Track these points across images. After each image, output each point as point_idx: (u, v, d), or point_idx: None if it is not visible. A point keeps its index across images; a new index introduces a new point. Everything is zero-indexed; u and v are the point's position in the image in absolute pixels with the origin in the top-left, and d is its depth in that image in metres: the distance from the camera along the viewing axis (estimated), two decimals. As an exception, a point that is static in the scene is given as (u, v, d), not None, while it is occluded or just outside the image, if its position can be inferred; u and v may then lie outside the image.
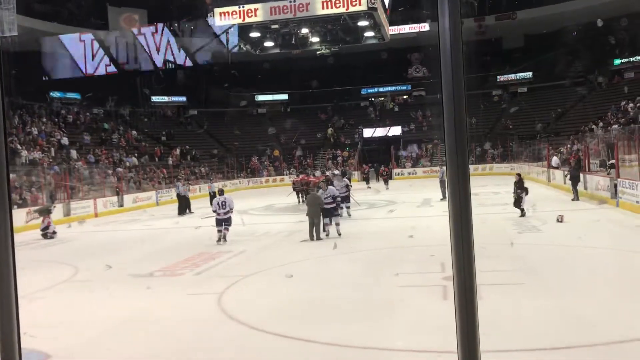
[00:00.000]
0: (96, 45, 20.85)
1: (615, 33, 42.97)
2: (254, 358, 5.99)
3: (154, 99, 49.75)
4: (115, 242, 16.20)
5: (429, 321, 6.79)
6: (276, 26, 20.36)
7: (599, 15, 41.00)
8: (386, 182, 34.45)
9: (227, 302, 8.13)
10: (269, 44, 23.06)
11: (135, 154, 38.60)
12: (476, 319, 1.54)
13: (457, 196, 1.50)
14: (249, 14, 19.56)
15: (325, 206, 13.81)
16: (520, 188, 16.44)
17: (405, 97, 53.85)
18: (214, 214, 14.27)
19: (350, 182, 19.12)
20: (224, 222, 14.05)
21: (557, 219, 14.47)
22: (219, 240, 13.87)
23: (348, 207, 18.15)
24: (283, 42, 22.60)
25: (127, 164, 35.31)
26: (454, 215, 1.51)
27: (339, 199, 14.72)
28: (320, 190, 14.28)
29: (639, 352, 5.47)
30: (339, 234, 13.99)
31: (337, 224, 14.26)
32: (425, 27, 47.00)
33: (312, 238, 13.53)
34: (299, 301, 8.03)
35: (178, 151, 42.97)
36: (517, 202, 16.29)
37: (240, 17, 19.95)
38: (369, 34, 25.08)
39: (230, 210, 14.28)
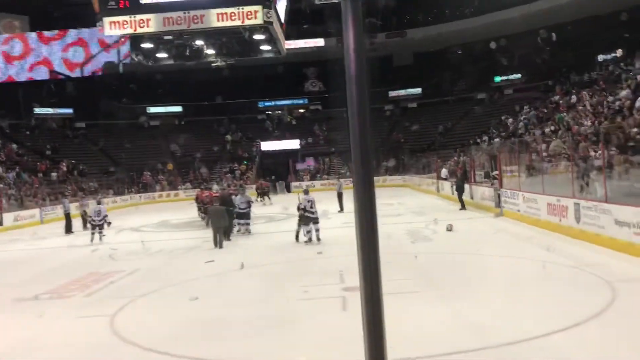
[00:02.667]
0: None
1: (496, 52, 46.16)
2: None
3: (37, 110, 46.73)
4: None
5: (330, 333, 6.82)
6: (170, 37, 19.74)
7: (481, 35, 43.91)
8: (265, 196, 33.86)
9: (121, 325, 7.73)
10: (162, 55, 22.35)
11: (17, 169, 36.01)
12: (383, 330, 1.54)
13: (363, 207, 1.49)
14: (141, 25, 18.81)
15: (241, 210, 16.58)
16: (461, 181, 17.70)
17: (302, 110, 54.43)
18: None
19: (251, 197, 18.96)
20: (97, 227, 17.94)
21: (447, 228, 15.16)
22: (92, 240, 17.34)
23: (248, 224, 17.76)
24: (177, 54, 22.00)
25: (8, 179, 32.84)
26: (360, 226, 1.50)
27: (251, 202, 17.19)
28: (239, 196, 16.57)
29: (526, 353, 5.78)
30: (249, 232, 16.91)
31: (248, 224, 17.16)
32: (320, 42, 47.92)
33: (216, 246, 14.58)
34: (197, 320, 7.78)
35: (64, 166, 40.58)
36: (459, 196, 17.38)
37: (131, 28, 19.14)
38: (265, 47, 24.98)
39: (104, 218, 18.18)
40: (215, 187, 27.73)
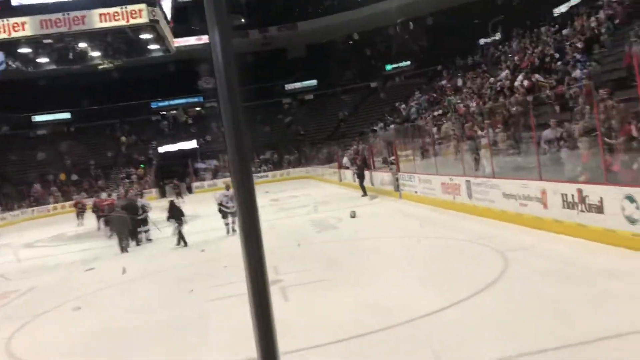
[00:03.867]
0: None
1: (385, 41, 47.60)
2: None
3: None
4: None
5: (239, 330, 6.78)
6: (50, 40, 18.66)
7: (368, 25, 45.10)
8: (179, 195, 33.74)
9: (18, 347, 7.28)
10: (43, 60, 21.13)
11: None
12: (272, 323, 1.55)
13: (243, 203, 1.49)
14: (16, 28, 17.70)
15: (139, 217, 16.15)
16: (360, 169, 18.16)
17: (198, 109, 53.36)
18: None
19: (147, 203, 18.29)
20: None
21: (351, 215, 15.50)
22: None
23: (147, 231, 16.92)
24: (59, 58, 20.87)
25: None
26: (243, 223, 1.50)
27: (147, 208, 16.95)
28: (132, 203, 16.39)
29: (428, 327, 6.05)
30: (150, 239, 16.46)
31: (147, 231, 16.61)
32: (211, 38, 47.18)
33: (122, 251, 14.85)
34: (101, 332, 7.47)
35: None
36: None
37: (5, 32, 17.97)
38: (153, 46, 24.30)
39: None
40: (103, 195, 26.75)
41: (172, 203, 15.98)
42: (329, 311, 7.12)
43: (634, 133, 8.66)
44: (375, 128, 35.04)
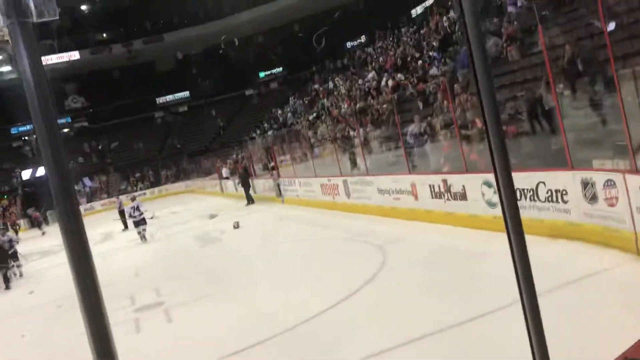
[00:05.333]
0: None
1: (256, 49, 47.76)
2: None
3: None
4: None
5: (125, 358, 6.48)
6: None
7: (241, 33, 44.98)
8: (39, 225, 31.90)
9: None
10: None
11: None
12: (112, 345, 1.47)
13: (69, 233, 1.39)
14: None
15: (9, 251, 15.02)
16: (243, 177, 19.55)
17: (66, 130, 50.26)
18: None
19: (15, 236, 16.93)
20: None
21: (234, 226, 15.37)
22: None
23: (19, 266, 15.62)
24: None
25: None
26: (71, 256, 1.40)
27: (14, 242, 15.90)
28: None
29: (317, 328, 6.12)
30: (21, 274, 15.26)
31: (19, 266, 15.53)
32: (74, 55, 44.74)
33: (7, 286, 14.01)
34: None
35: None
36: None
37: None
38: (4, 68, 22.61)
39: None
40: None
41: None
42: (215, 326, 6.99)
43: (479, 125, 9.33)
44: (253, 136, 35.03)
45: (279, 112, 36.54)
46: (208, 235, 15.46)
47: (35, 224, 33.47)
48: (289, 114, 32.80)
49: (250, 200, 21.00)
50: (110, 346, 1.53)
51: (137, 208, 16.74)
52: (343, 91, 25.40)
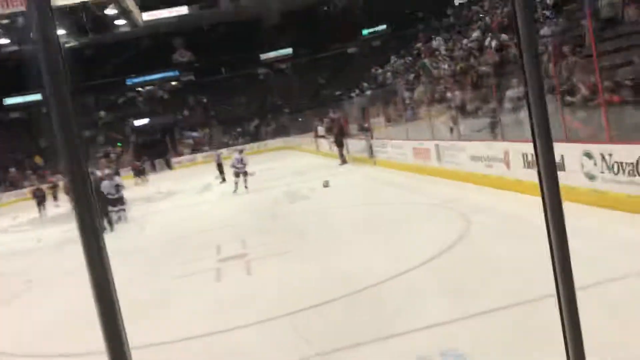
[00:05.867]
0: None
1: (361, 5, 46.96)
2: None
3: None
4: None
5: (202, 306, 6.80)
6: (7, 21, 18.16)
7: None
8: (141, 175, 33.52)
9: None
10: (4, 41, 20.63)
11: None
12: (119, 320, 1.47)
13: (79, 201, 1.40)
14: (-25, 8, 17.21)
15: (112, 196, 15.78)
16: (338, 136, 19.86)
17: (174, 83, 52.59)
18: None
19: (121, 181, 17.98)
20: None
21: (324, 185, 15.47)
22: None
23: (123, 210, 16.58)
24: (21, 38, 20.36)
25: None
26: (80, 224, 1.41)
27: (121, 187, 16.57)
28: (106, 182, 16.07)
29: (387, 291, 6.08)
30: (126, 219, 16.06)
31: (124, 210, 16.28)
32: (183, 10, 46.20)
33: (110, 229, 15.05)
34: (65, 315, 7.41)
35: None
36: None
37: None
38: (120, 22, 23.77)
39: None
40: (90, 171, 26.32)
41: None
42: (291, 281, 7.12)
43: (584, 91, 8.65)
44: (351, 95, 34.82)
45: (379, 71, 35.94)
46: (298, 192, 15.69)
47: (142, 171, 35.51)
48: (389, 74, 32.18)
49: (343, 160, 21.04)
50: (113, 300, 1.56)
51: (242, 160, 18.23)
52: (444, 51, 24.51)
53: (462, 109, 14.08)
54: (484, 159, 10.96)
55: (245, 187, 17.95)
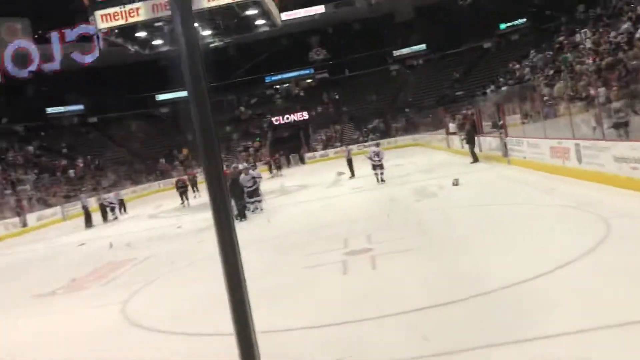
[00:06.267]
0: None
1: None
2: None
3: (50, 110, 47.43)
4: (19, 264, 15.45)
5: (326, 296, 7.05)
6: (160, 23, 19.76)
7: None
8: (279, 169, 35.26)
9: (132, 310, 8.06)
10: (157, 42, 22.46)
11: (35, 171, 36.77)
12: (246, 303, 1.66)
13: (215, 193, 1.58)
14: (131, 14, 18.94)
15: (249, 188, 16.85)
16: (469, 134, 20.04)
17: (309, 81, 54.17)
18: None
19: (258, 174, 18.94)
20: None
21: (453, 183, 15.20)
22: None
23: (259, 202, 17.52)
24: (172, 39, 22.04)
25: (28, 181, 33.62)
26: (215, 215, 1.60)
27: (257, 179, 17.55)
28: (243, 175, 17.13)
29: (517, 296, 5.92)
30: (261, 210, 17.07)
31: (259, 202, 17.38)
32: (320, 9, 47.40)
33: (239, 218, 15.69)
34: (204, 298, 8.03)
35: (81, 162, 41.30)
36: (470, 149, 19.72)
37: (122, 18, 19.29)
38: (259, 22, 24.89)
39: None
40: (233, 165, 27.87)
41: (232, 179, 16.70)
42: (414, 278, 7.16)
43: None
44: (485, 91, 33.71)
45: (517, 66, 34.44)
46: (426, 189, 15.55)
47: (277, 165, 37.10)
48: (527, 69, 30.73)
49: (474, 158, 20.48)
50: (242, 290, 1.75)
51: (378, 154, 19.26)
52: (589, 45, 22.93)
53: (604, 106, 13.15)
54: (630, 161, 10.17)
55: (382, 180, 18.82)
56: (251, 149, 45.47)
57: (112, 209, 23.61)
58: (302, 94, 52.63)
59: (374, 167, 19.26)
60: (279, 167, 35.10)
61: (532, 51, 34.46)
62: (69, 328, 7.70)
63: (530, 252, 7.42)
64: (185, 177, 27.73)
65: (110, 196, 24.73)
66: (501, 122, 20.07)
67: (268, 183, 25.47)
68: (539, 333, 4.86)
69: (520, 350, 4.66)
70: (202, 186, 28.58)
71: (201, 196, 25.67)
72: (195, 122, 1.57)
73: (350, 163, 23.50)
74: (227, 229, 1.64)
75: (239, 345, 1.48)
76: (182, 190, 24.76)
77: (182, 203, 24.33)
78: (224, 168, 19.03)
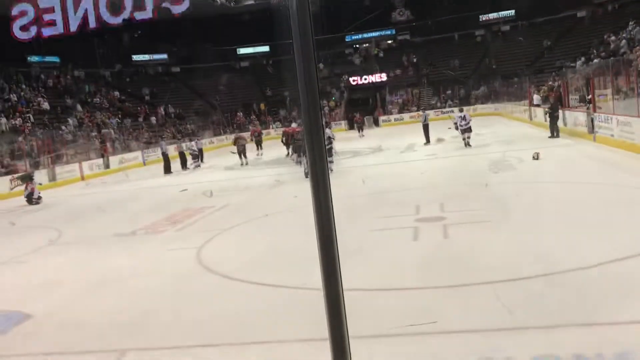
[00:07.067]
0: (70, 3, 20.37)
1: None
2: (229, 306, 6.20)
3: (135, 57, 49.09)
4: (101, 204, 16.30)
5: (393, 261, 7.07)
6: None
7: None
8: (361, 129, 35.04)
9: (206, 255, 8.38)
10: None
11: (119, 115, 38.39)
12: (338, 272, 1.68)
13: (313, 155, 1.61)
14: (220, -34, 19.13)
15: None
16: (552, 108, 19.58)
17: (390, 42, 53.20)
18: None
19: (332, 134, 18.97)
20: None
21: (534, 157, 14.71)
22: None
23: (331, 162, 16.84)
24: (256, -6, 22.12)
25: (112, 125, 35.19)
26: (312, 174, 1.62)
27: (331, 139, 17.16)
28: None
29: (586, 279, 5.73)
30: (331, 170, 15.52)
31: (331, 162, 16.42)
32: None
33: (306, 176, 15.26)
34: (274, 250, 8.26)
35: (162, 110, 42.72)
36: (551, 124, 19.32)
37: (210, -30, 19.50)
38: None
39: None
40: (294, 124, 27.96)
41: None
42: (486, 251, 7.05)
43: None
44: (573, 64, 32.02)
45: (612, 38, 32.41)
46: (505, 161, 15.15)
47: (354, 126, 37.04)
48: (624, 42, 28.87)
49: (555, 132, 19.66)
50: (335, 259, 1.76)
51: (464, 117, 19.79)
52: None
53: None
54: None
55: (469, 144, 19.40)
56: (326, 108, 45.49)
57: (195, 157, 24.35)
58: (381, 54, 51.81)
59: (462, 131, 19.67)
60: (360, 128, 35.17)
61: (631, 22, 32.28)
62: (145, 268, 8.12)
63: (609, 235, 7.12)
64: (244, 135, 26.77)
65: (193, 144, 25.51)
66: (589, 97, 19.11)
67: (344, 143, 25.54)
68: (613, 319, 4.72)
69: (594, 332, 4.54)
70: (266, 144, 29.03)
71: (263, 156, 25.81)
72: (299, 77, 1.59)
73: (426, 128, 23.13)
74: (322, 186, 1.66)
75: (327, 300, 1.54)
76: (242, 149, 23.26)
77: (241, 162, 23.14)
78: (295, 125, 19.18)
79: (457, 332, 4.86)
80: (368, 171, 17.01)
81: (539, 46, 44.32)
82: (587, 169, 12.95)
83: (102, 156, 27.93)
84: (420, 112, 28.85)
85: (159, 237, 10.20)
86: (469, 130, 19.73)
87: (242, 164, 23.10)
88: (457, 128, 20.09)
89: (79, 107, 36.52)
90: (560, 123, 20.27)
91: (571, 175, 12.38)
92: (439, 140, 22.56)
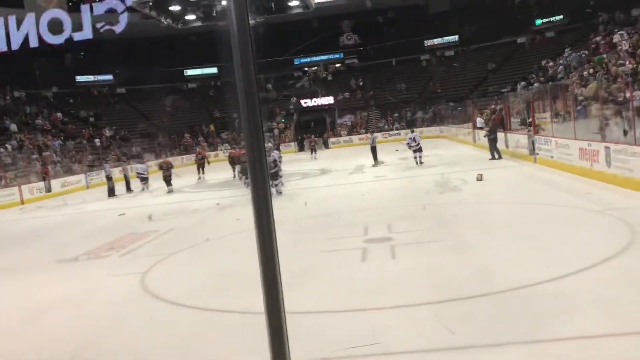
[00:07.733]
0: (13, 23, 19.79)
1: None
2: (172, 333, 6.04)
3: (79, 78, 47.94)
4: (41, 228, 15.71)
5: (345, 282, 7.05)
6: (194, -1, 19.83)
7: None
8: (314, 151, 35.11)
9: (150, 281, 8.16)
10: (190, 17, 22.59)
11: (62, 137, 37.27)
12: (279, 285, 1.66)
13: (255, 176, 1.58)
14: (166, -13, 19.02)
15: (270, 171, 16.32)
16: (491, 131, 20.45)
17: (338, 65, 53.86)
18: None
19: (279, 156, 18.91)
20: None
21: (477, 178, 15.08)
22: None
23: (277, 185, 16.82)
24: (205, 15, 22.16)
25: (54, 147, 34.10)
26: (254, 197, 1.60)
27: (277, 161, 17.27)
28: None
29: (531, 296, 5.86)
30: (280, 193, 16.48)
31: (276, 185, 16.67)
32: (354, -6, 46.94)
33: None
34: (219, 275, 8.10)
35: (107, 132, 41.76)
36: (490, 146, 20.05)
37: (158, -10, 19.35)
38: (293, 3, 24.89)
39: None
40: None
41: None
42: (432, 271, 7.14)
43: None
44: (516, 87, 33.22)
45: (550, 64, 33.85)
46: (449, 183, 15.47)
47: (304, 147, 37.15)
48: (560, 67, 30.17)
49: (496, 154, 20.26)
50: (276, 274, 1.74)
51: (414, 138, 21.26)
52: (626, 47, 22.41)
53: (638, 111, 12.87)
54: (661, 168, 9.98)
55: (421, 162, 20.81)
56: (275, 130, 45.52)
57: (143, 179, 23.59)
58: (330, 78, 52.37)
59: (414, 151, 21.00)
60: (313, 149, 35.22)
61: (567, 49, 33.82)
62: (88, 295, 7.83)
63: (550, 254, 7.33)
64: (169, 160, 26.40)
65: (140, 167, 24.60)
66: (530, 120, 19.80)
67: (291, 165, 25.55)
68: (557, 335, 4.83)
69: (539, 350, 4.63)
70: (214, 166, 28.74)
71: (204, 179, 25.50)
72: (240, 99, 1.57)
73: (373, 150, 23.43)
74: (264, 209, 1.63)
75: (269, 324, 1.51)
76: (201, 163, 25.70)
77: (199, 177, 25.08)
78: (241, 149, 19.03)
79: (399, 352, 4.88)
80: (317, 193, 17.04)
81: (481, 71, 45.81)
82: (529, 190, 13.36)
83: (44, 179, 26.96)
84: (369, 135, 29.26)
85: (102, 263, 9.88)
86: (420, 150, 21.07)
87: (199, 179, 24.46)
88: (410, 147, 21.30)
89: (18, 128, 35.26)
90: (502, 145, 20.91)
91: (513, 195, 12.75)
92: (380, 162, 23.02)
